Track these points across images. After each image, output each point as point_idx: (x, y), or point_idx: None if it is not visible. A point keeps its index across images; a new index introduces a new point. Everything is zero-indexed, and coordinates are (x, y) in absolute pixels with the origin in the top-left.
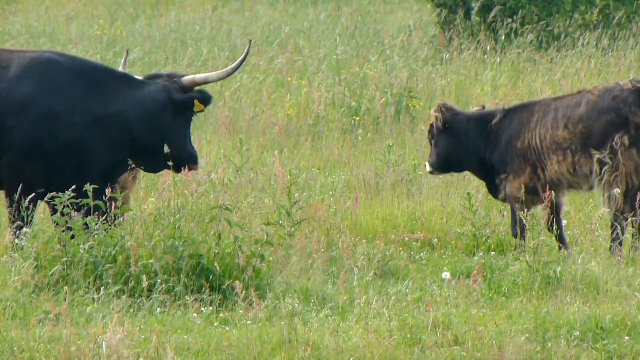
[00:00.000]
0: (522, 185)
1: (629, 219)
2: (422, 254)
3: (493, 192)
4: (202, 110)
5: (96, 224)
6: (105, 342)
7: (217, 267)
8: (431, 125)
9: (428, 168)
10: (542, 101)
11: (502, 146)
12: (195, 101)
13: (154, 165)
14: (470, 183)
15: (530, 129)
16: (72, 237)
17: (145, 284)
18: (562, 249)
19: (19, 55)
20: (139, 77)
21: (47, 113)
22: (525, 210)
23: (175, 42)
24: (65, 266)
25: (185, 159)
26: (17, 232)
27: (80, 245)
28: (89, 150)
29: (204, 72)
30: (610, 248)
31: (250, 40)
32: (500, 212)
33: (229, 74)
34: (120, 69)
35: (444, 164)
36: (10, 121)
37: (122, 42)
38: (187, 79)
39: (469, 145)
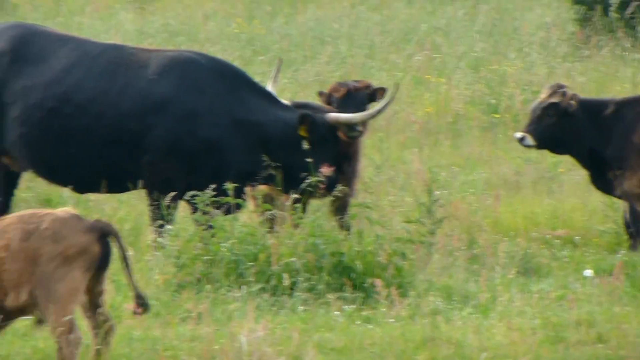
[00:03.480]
0: None
1: None
2: (564, 251)
3: (597, 184)
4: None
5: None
6: (247, 340)
7: (359, 265)
8: (554, 103)
9: (530, 141)
10: None
11: (617, 140)
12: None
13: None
14: None
15: None
16: (214, 235)
17: (287, 282)
18: None
19: (157, 55)
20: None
21: (187, 112)
22: None
23: (313, 41)
24: (207, 264)
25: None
26: (159, 230)
27: (222, 244)
28: (227, 151)
29: (342, 70)
30: None
31: (396, 84)
32: None
33: (373, 117)
34: (271, 76)
35: (550, 143)
36: (150, 120)
37: (260, 40)
38: (331, 116)
39: (582, 131)
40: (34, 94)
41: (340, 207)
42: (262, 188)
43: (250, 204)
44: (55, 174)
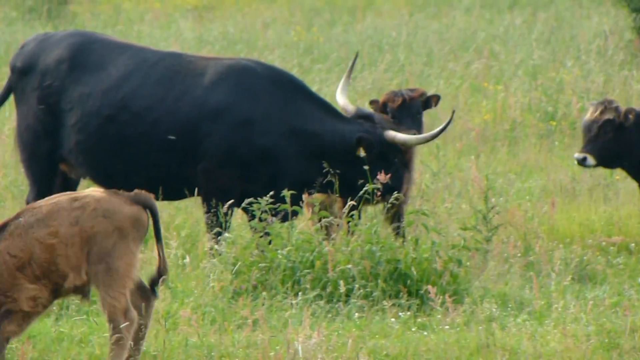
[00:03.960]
0: None
1: None
2: (619, 258)
3: None
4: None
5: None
6: (302, 347)
7: (415, 272)
8: (610, 120)
9: (591, 161)
10: None
11: None
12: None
13: (346, 191)
14: None
15: None
16: (270, 242)
17: (343, 289)
18: None
19: (215, 63)
20: (351, 106)
21: (243, 120)
22: None
23: (371, 48)
24: (264, 271)
25: (387, 189)
26: (216, 238)
27: (279, 251)
28: (283, 159)
29: (400, 78)
30: None
31: (453, 112)
32: None
33: (428, 140)
34: (347, 71)
35: (608, 159)
36: (206, 128)
37: (319, 48)
38: (389, 134)
39: (635, 144)
40: (91, 102)
41: (395, 215)
42: (319, 196)
43: (306, 212)
44: (111, 181)
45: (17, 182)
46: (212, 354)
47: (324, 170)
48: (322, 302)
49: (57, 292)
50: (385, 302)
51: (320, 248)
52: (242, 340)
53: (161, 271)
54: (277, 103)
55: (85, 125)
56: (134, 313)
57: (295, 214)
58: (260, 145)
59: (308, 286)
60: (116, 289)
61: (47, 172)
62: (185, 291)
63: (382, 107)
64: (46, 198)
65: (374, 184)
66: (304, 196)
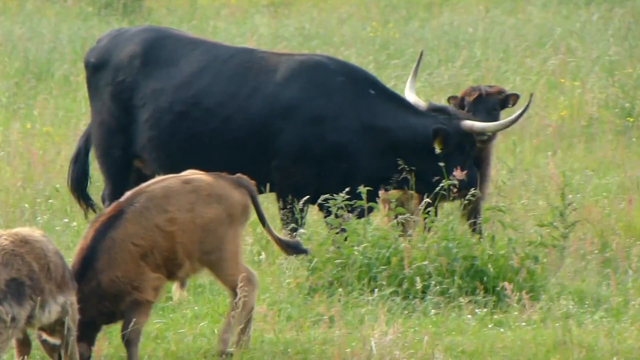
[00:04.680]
0: None
1: None
2: None
3: None
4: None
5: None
6: (377, 343)
7: (491, 269)
8: None
9: None
10: None
11: None
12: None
13: (422, 187)
14: None
15: None
16: (346, 239)
17: (419, 285)
18: None
19: (287, 59)
20: (422, 102)
21: (315, 117)
22: None
23: (448, 44)
24: (340, 268)
25: (463, 185)
26: (292, 234)
27: (355, 247)
28: (356, 156)
29: (476, 74)
30: None
31: (531, 95)
32: None
33: (506, 127)
34: (410, 75)
35: None
36: (279, 125)
37: (395, 44)
38: (466, 124)
39: None
40: (164, 97)
41: (472, 211)
42: (395, 192)
43: (382, 208)
44: None
45: (92, 177)
46: (288, 350)
47: (400, 167)
48: (398, 299)
49: (173, 279)
50: (461, 299)
51: (396, 244)
52: (318, 337)
53: (286, 248)
54: (349, 99)
55: (157, 122)
56: (254, 277)
57: (371, 210)
58: (333, 141)
59: (384, 283)
60: (232, 268)
61: (121, 168)
62: (261, 288)
63: (460, 102)
64: (152, 180)
65: (450, 180)
66: (380, 192)
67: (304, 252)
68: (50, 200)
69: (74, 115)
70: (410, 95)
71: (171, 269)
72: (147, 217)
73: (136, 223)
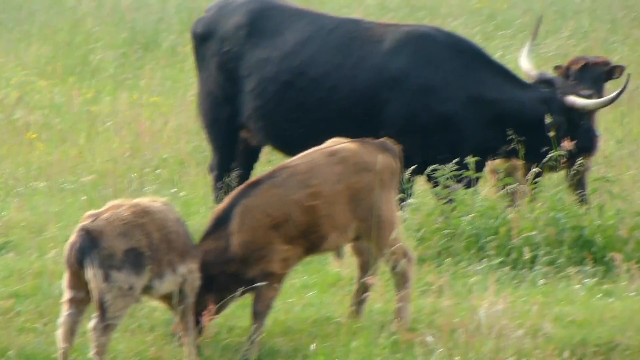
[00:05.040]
0: None
1: None
2: None
3: None
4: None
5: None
6: (486, 313)
7: (599, 239)
8: None
9: None
10: None
11: None
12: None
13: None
14: None
15: None
16: (454, 209)
17: (527, 255)
18: None
19: (393, 30)
20: (535, 71)
21: (422, 87)
22: None
23: (555, 15)
24: (448, 238)
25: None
26: (400, 204)
27: (462, 217)
28: (463, 127)
29: (584, 45)
30: None
31: (629, 75)
32: None
33: (607, 104)
34: (528, 42)
35: None
36: (385, 95)
37: (502, 14)
38: (569, 99)
39: None
40: (269, 67)
41: (579, 182)
42: (501, 162)
43: (490, 178)
44: (289, 148)
45: (200, 148)
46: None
47: (507, 137)
48: (506, 269)
49: (309, 252)
50: (570, 269)
51: (504, 215)
52: (427, 307)
53: None
54: (455, 70)
55: (262, 91)
56: (410, 251)
57: (477, 180)
58: (440, 112)
59: (492, 253)
60: (386, 235)
61: (228, 138)
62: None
63: (566, 71)
64: (297, 156)
65: (559, 150)
66: (488, 163)
67: None
68: (157, 171)
69: (181, 85)
70: (525, 63)
71: (313, 241)
72: (284, 191)
73: (270, 195)
